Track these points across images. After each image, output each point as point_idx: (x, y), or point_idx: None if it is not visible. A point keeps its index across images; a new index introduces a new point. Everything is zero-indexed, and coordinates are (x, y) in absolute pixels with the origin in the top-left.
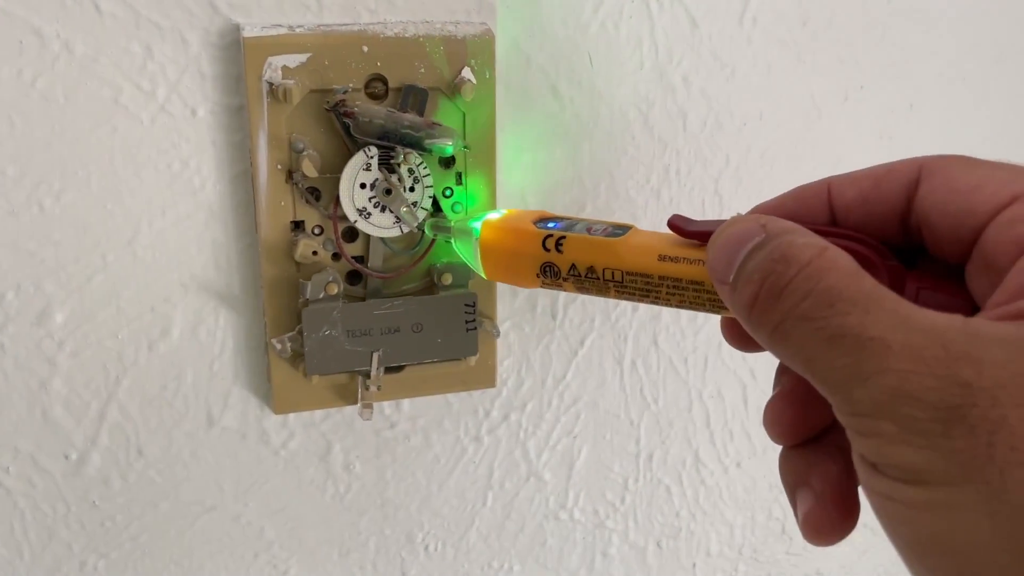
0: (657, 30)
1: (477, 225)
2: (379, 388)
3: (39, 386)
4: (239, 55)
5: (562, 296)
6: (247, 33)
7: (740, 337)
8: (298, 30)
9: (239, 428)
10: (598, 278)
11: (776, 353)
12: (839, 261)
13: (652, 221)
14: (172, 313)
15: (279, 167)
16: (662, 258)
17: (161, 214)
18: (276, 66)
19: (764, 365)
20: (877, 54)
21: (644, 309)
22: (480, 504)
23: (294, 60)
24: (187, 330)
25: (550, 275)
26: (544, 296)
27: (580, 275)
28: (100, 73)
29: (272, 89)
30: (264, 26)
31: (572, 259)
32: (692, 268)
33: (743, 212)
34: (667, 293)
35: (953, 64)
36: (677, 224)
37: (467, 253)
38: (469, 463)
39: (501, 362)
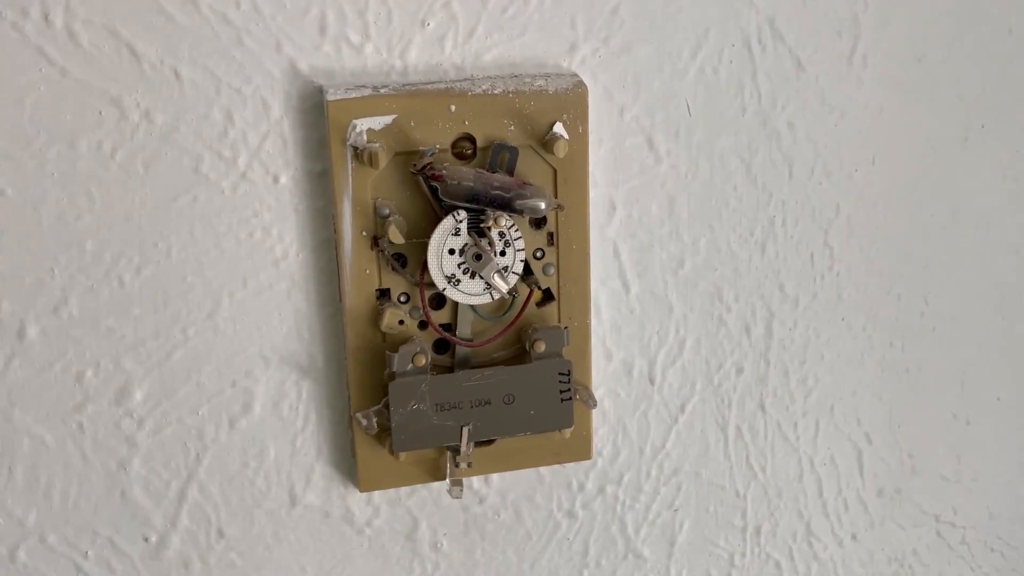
0: (760, 74)
1: None
2: (469, 465)
3: (118, 467)
4: (322, 119)
5: (660, 359)
6: (331, 96)
7: None
8: (383, 91)
9: (322, 506)
10: None
11: None
12: None
13: (756, 278)
14: (254, 387)
15: (364, 233)
16: None
17: (242, 285)
18: (361, 129)
19: (880, 428)
20: (999, 89)
21: (748, 370)
22: None
23: (379, 122)
24: (269, 405)
25: None
26: (641, 358)
27: None
28: (180, 142)
29: (357, 153)
30: (348, 88)
31: None
32: None
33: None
34: None
35: None
36: None
37: None
38: (563, 540)
39: (596, 431)
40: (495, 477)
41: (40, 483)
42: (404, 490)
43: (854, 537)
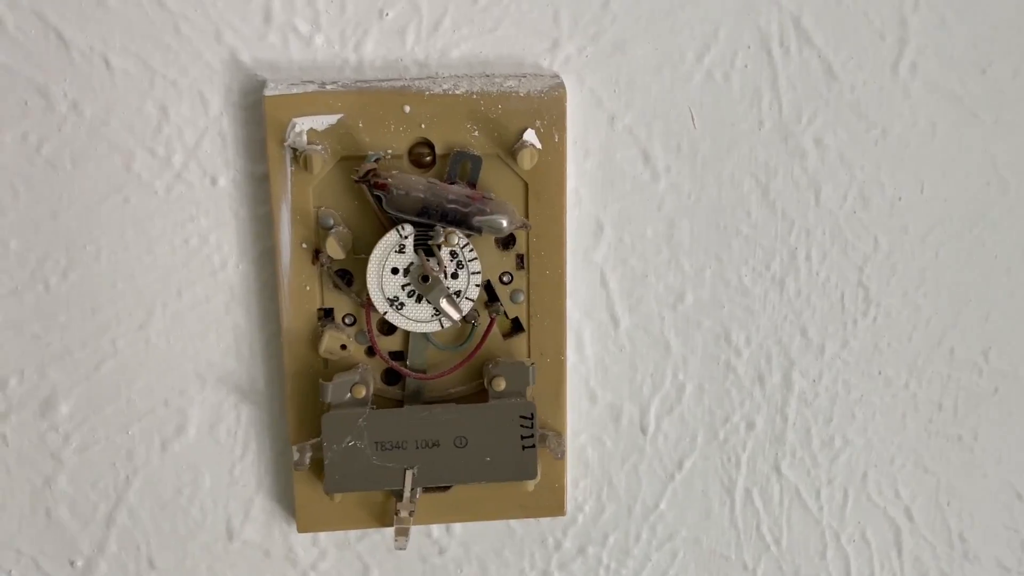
0: (781, 81)
1: None
2: (411, 514)
3: (43, 483)
4: (263, 116)
5: (654, 406)
6: (270, 91)
7: None
8: (329, 87)
9: (262, 544)
10: None
11: None
12: None
13: (773, 319)
14: (188, 408)
15: (304, 246)
16: None
17: (177, 296)
18: (301, 129)
19: (925, 504)
20: None
21: (761, 425)
22: None
23: (322, 122)
24: (204, 428)
25: None
26: (631, 404)
27: None
28: (110, 137)
29: (296, 155)
30: (292, 83)
31: None
32: None
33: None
34: None
35: None
36: None
37: None
38: None
39: (576, 483)
40: (457, 526)
41: None
42: (353, 533)
43: None
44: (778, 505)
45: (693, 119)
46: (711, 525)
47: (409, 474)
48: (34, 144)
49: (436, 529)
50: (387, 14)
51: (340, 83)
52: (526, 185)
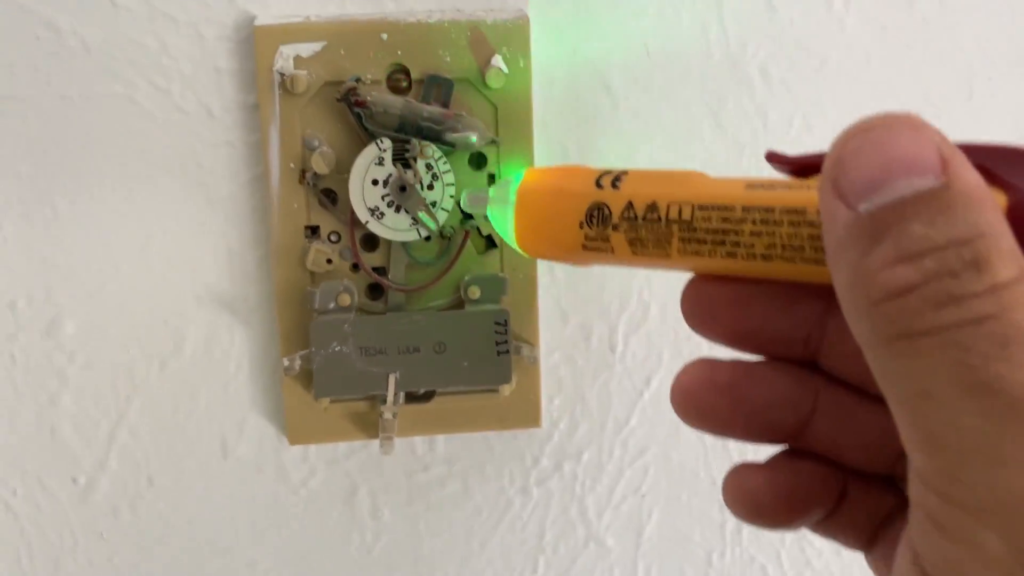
0: (726, 15)
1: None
2: (394, 416)
3: (48, 401)
4: (253, 48)
5: (622, 325)
6: (258, 22)
7: (714, 304)
8: (314, 19)
9: (255, 460)
10: (659, 219)
11: (876, 361)
12: None
13: None
14: (185, 328)
15: (292, 166)
16: (751, 186)
17: (175, 220)
18: (288, 55)
19: None
20: (1007, 38)
21: None
22: (530, 571)
23: (308, 49)
24: (200, 347)
25: (597, 222)
26: (600, 323)
27: (636, 217)
28: (115, 69)
29: (284, 80)
30: (280, 16)
31: (630, 195)
32: (791, 194)
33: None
34: (751, 234)
35: None
36: (778, 155)
37: (502, 221)
38: (516, 519)
39: (551, 400)
40: (441, 444)
41: None
42: (342, 448)
43: None
44: None
45: (648, 50)
46: (680, 442)
47: (392, 378)
48: (45, 76)
49: (420, 446)
50: None
51: (324, 17)
52: (495, 108)
